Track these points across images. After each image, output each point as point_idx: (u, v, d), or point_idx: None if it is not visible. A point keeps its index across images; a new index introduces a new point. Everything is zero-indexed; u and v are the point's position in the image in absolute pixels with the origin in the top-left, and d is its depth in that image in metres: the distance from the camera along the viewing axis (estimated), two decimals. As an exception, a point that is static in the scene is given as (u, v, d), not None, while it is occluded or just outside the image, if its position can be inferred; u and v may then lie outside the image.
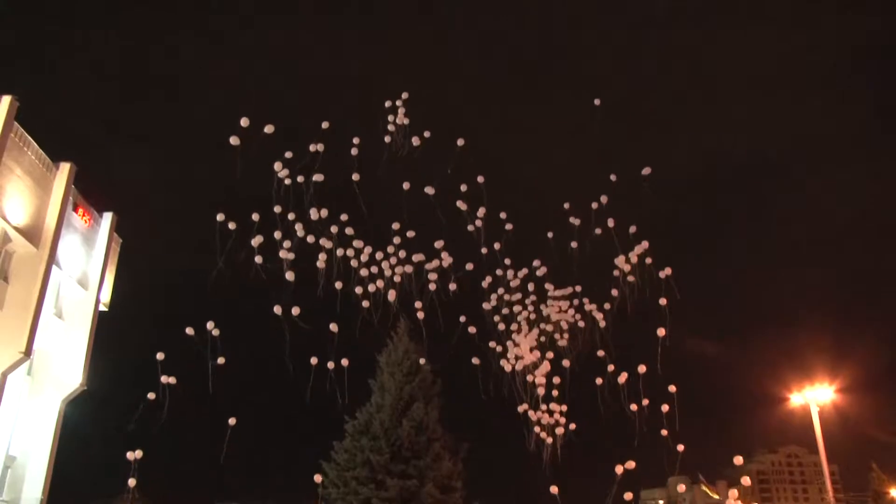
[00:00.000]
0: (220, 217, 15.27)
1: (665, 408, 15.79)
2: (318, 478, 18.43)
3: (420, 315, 16.43)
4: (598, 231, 16.42)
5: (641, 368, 15.95)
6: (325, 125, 15.41)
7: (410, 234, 16.22)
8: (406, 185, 15.95)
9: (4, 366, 25.37)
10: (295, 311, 15.13)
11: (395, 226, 16.24)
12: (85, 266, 31.72)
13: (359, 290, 15.81)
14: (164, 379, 15.61)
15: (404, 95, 16.16)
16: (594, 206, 16.38)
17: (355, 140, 15.88)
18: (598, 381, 16.43)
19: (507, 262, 16.84)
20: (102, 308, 32.95)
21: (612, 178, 16.31)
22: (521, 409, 16.67)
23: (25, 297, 26.58)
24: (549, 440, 16.41)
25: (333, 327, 15.62)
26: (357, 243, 15.88)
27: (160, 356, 15.98)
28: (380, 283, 15.94)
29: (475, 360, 16.91)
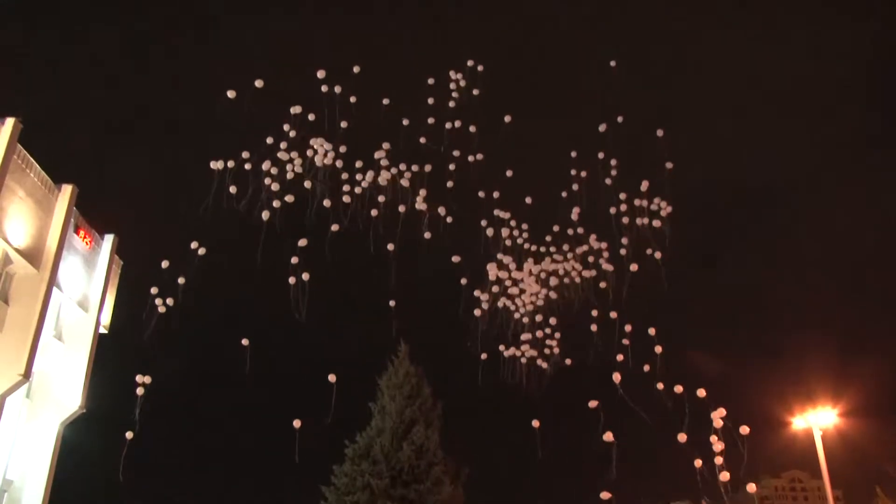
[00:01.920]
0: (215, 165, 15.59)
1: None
2: None
3: (390, 247, 16.36)
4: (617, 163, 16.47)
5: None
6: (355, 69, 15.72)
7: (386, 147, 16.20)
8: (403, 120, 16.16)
9: (3, 388, 25.21)
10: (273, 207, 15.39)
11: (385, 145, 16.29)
12: (85, 288, 31.68)
13: (327, 202, 15.83)
14: (153, 297, 15.74)
15: (474, 64, 16.40)
16: (601, 155, 16.54)
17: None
18: (593, 327, 16.45)
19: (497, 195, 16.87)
20: (102, 330, 32.85)
21: (619, 119, 16.52)
22: (506, 351, 16.63)
23: (25, 319, 26.48)
24: (545, 364, 16.36)
25: (302, 241, 15.71)
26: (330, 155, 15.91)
27: (154, 290, 16.14)
28: (360, 189, 15.92)
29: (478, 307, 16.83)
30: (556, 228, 17.16)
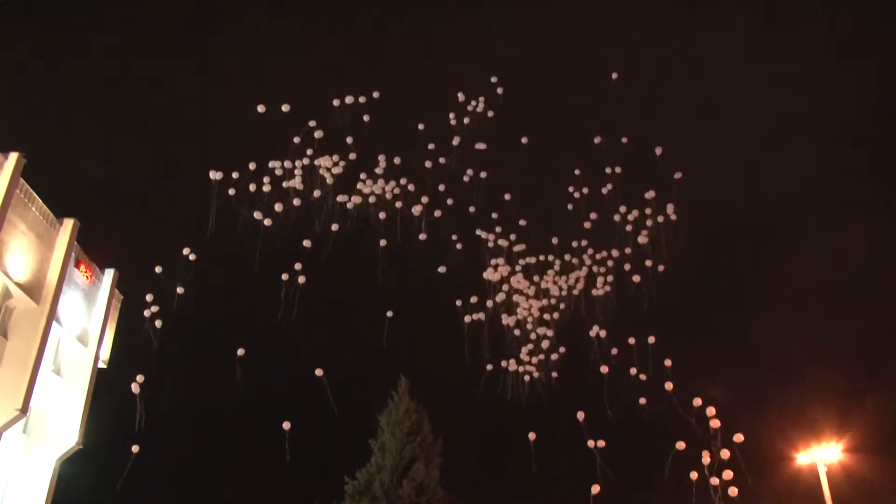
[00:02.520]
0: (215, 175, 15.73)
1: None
2: None
3: (383, 242, 16.40)
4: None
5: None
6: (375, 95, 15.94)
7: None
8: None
9: (0, 423, 25.03)
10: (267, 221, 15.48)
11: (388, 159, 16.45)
12: (85, 322, 31.63)
13: (344, 197, 15.86)
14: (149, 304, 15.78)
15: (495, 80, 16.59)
16: (608, 170, 16.62)
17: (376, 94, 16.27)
18: (592, 333, 16.35)
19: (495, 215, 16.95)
20: (101, 365, 32.73)
21: (624, 140, 16.62)
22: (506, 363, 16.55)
23: (24, 353, 26.38)
24: (537, 373, 16.23)
25: (306, 243, 15.84)
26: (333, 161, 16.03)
27: (149, 297, 16.20)
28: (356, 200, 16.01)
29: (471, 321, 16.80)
30: (555, 241, 17.21)
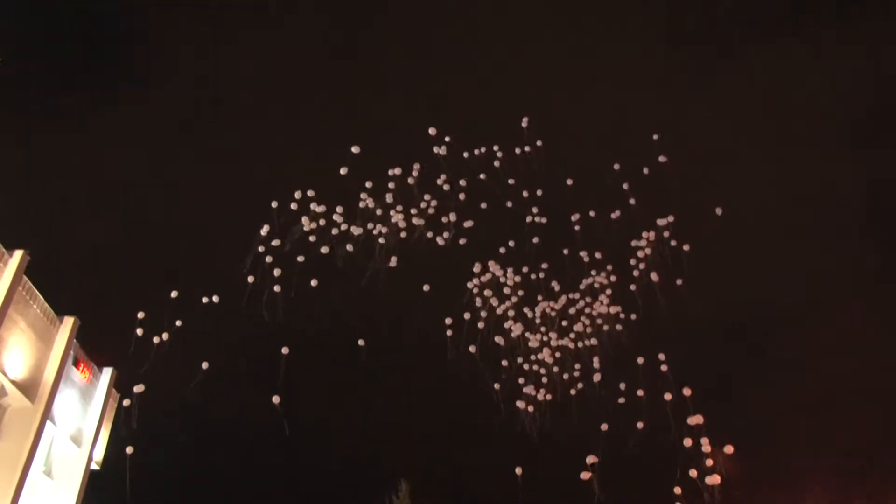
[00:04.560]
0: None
1: None
2: None
3: (394, 259, 16.23)
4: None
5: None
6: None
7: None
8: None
9: (-16, 529, 24.24)
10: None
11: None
12: (80, 422, 31.08)
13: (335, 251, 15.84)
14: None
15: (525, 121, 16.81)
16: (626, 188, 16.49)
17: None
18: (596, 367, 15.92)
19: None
20: (95, 467, 31.96)
21: (645, 171, 16.67)
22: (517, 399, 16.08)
23: (15, 454, 25.78)
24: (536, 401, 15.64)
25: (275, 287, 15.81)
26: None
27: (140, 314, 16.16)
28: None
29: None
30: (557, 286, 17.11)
